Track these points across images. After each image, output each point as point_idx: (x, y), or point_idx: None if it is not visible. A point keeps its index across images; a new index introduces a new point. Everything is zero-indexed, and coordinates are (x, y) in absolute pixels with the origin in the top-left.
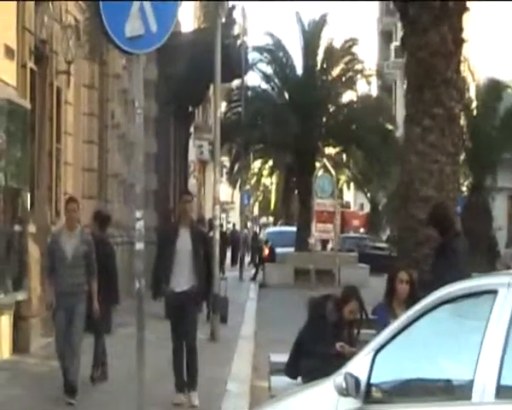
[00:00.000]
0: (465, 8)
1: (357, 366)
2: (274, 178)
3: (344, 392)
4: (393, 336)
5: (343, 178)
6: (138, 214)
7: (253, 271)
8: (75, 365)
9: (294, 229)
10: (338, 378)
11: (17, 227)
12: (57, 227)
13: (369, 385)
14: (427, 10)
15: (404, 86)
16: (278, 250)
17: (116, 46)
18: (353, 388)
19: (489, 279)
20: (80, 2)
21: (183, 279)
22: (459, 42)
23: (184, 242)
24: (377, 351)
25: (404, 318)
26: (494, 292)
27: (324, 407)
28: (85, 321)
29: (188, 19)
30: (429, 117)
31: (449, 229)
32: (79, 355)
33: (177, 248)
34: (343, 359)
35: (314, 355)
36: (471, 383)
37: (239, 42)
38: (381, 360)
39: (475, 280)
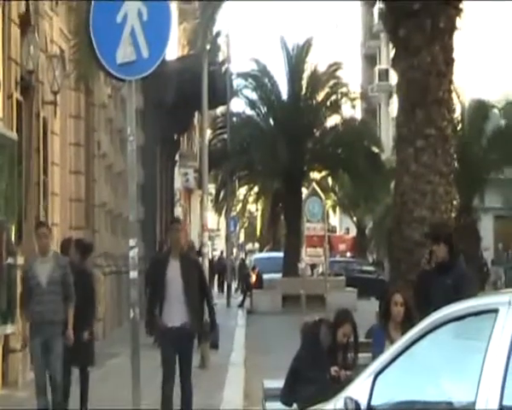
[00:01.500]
0: (456, 28)
1: (358, 389)
2: (259, 205)
3: None
4: (394, 359)
5: (329, 202)
6: (132, 242)
7: (241, 297)
8: (58, 399)
9: (281, 254)
10: (338, 403)
11: (5, 260)
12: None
13: (369, 409)
14: (418, 31)
15: (389, 109)
16: (265, 276)
17: (107, 73)
18: None
19: (489, 298)
20: (67, 29)
21: (175, 313)
22: (450, 61)
23: (175, 273)
24: (377, 374)
25: (404, 339)
26: (495, 311)
27: None
28: (69, 354)
29: (172, 46)
30: (422, 137)
31: (453, 246)
32: (61, 391)
33: (167, 279)
34: (338, 383)
35: (309, 381)
36: (473, 404)
37: (224, 68)
38: (382, 382)
39: (475, 299)
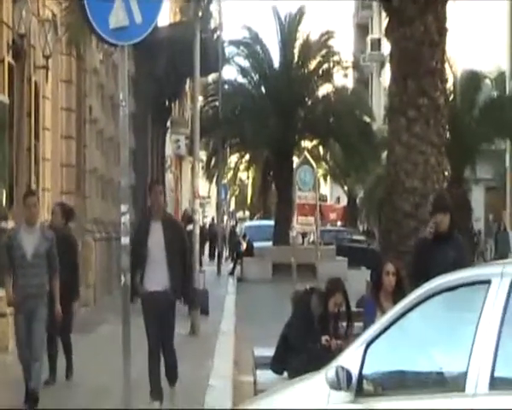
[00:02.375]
0: None
1: (349, 358)
2: (250, 173)
3: (335, 385)
4: (385, 328)
5: (320, 171)
6: (123, 208)
7: (231, 265)
8: (36, 371)
9: (272, 223)
10: (330, 372)
11: None
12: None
13: (360, 378)
14: (411, 0)
15: (381, 79)
16: (256, 244)
17: (100, 37)
18: (345, 381)
19: (482, 269)
20: None
21: (157, 278)
22: (443, 31)
23: (157, 237)
24: (369, 343)
25: (396, 309)
26: (487, 282)
27: (316, 401)
28: (48, 324)
29: (164, 13)
30: (414, 107)
31: (453, 217)
32: (41, 361)
33: (149, 244)
34: (329, 353)
35: (300, 350)
36: (465, 374)
37: (216, 36)
38: (373, 352)
39: (468, 270)
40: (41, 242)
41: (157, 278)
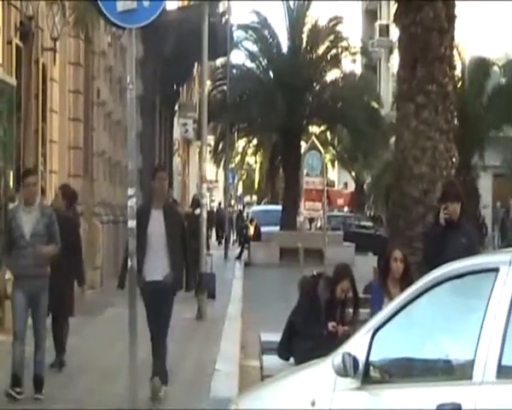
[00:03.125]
0: None
1: (356, 345)
2: (258, 157)
3: (342, 372)
4: (393, 315)
5: (327, 156)
6: (130, 191)
7: (239, 249)
8: (40, 357)
9: (279, 208)
10: (336, 358)
11: (4, 205)
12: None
13: (367, 365)
14: None
15: (389, 65)
16: (263, 229)
17: (108, 20)
18: (351, 368)
19: (490, 257)
20: None
21: (156, 267)
22: (452, 18)
23: (157, 225)
24: (376, 330)
25: (403, 296)
26: (495, 270)
27: (322, 387)
28: (51, 303)
29: None
30: (423, 93)
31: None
32: (44, 347)
33: (148, 231)
34: (336, 339)
35: (306, 336)
36: (472, 362)
37: (224, 20)
38: (380, 339)
39: (476, 258)
40: (39, 220)
41: (156, 266)
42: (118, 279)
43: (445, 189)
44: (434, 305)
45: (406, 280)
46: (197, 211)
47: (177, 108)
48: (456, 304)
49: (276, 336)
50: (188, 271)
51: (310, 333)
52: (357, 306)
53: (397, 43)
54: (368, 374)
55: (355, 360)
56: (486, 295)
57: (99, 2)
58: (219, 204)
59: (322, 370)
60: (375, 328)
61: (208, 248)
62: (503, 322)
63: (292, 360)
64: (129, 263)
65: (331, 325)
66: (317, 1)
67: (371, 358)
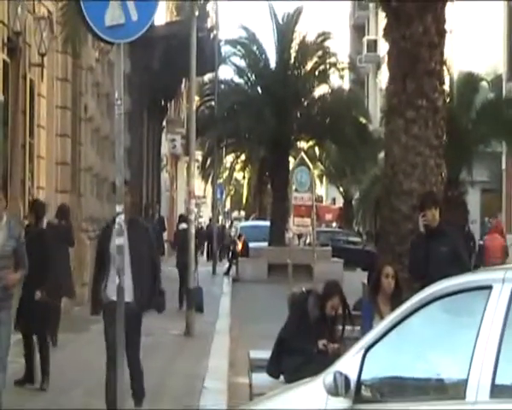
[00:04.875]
0: None
1: (347, 364)
2: (246, 173)
3: (333, 391)
4: (384, 334)
5: (316, 172)
6: (118, 208)
7: (227, 265)
8: (2, 375)
9: (268, 223)
10: (327, 377)
11: None
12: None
13: (359, 384)
14: (410, 0)
15: (377, 80)
16: (251, 245)
17: (96, 35)
18: (343, 387)
19: (483, 275)
20: None
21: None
22: (442, 32)
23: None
24: (368, 349)
25: (395, 314)
26: (488, 288)
27: (313, 406)
28: (24, 321)
29: (160, 12)
30: (413, 108)
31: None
32: (6, 369)
33: (111, 249)
34: (326, 356)
35: (296, 353)
36: (465, 381)
37: (212, 35)
38: (372, 357)
39: (469, 276)
40: (7, 240)
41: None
42: (90, 305)
43: (423, 197)
44: (427, 323)
45: (397, 297)
46: (182, 225)
47: (165, 123)
48: (448, 322)
49: (265, 354)
50: (159, 290)
51: (300, 350)
52: (351, 322)
53: (385, 58)
54: (359, 393)
55: (346, 379)
56: (479, 314)
57: (87, 17)
58: (210, 220)
59: (314, 389)
60: (367, 347)
61: (196, 263)
62: (497, 341)
63: (282, 377)
64: (116, 280)
65: (321, 343)
66: (305, 16)
67: (363, 377)
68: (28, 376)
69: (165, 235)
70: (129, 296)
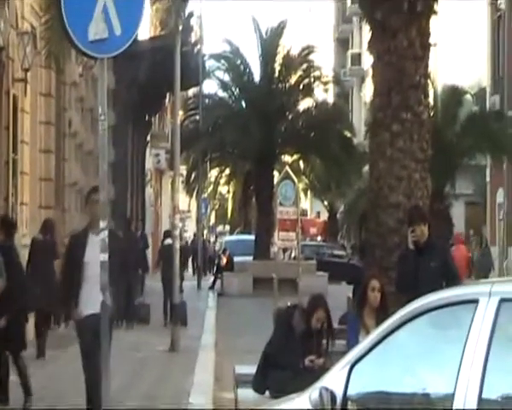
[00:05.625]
0: (433, 12)
1: (333, 379)
2: (231, 187)
3: (319, 407)
4: (371, 348)
5: (300, 185)
6: (102, 224)
7: (212, 279)
8: None
9: (252, 237)
10: (313, 393)
11: None
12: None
13: (345, 399)
14: (395, 13)
15: (361, 93)
16: (236, 259)
17: (79, 50)
18: (329, 402)
19: (469, 288)
20: (38, 6)
21: (94, 299)
22: (427, 46)
23: (94, 252)
24: (354, 364)
25: (381, 328)
26: (475, 302)
27: None
28: None
29: (144, 26)
30: (398, 122)
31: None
32: None
33: (85, 260)
34: (312, 372)
35: (282, 368)
36: (452, 395)
37: (196, 49)
38: (358, 373)
39: (455, 289)
40: None
41: (94, 299)
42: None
43: (411, 212)
44: (413, 337)
45: (383, 310)
46: (168, 241)
47: (149, 138)
48: (435, 336)
49: (250, 369)
50: (129, 304)
51: (286, 365)
52: (332, 337)
53: (369, 72)
54: (346, 409)
55: (332, 395)
56: (466, 328)
57: (69, 32)
58: (194, 235)
59: (300, 404)
60: (353, 361)
61: (182, 279)
62: (483, 354)
63: (267, 393)
64: (100, 297)
65: (308, 359)
66: (289, 30)
67: (349, 392)
68: (2, 394)
69: (149, 252)
70: (98, 308)
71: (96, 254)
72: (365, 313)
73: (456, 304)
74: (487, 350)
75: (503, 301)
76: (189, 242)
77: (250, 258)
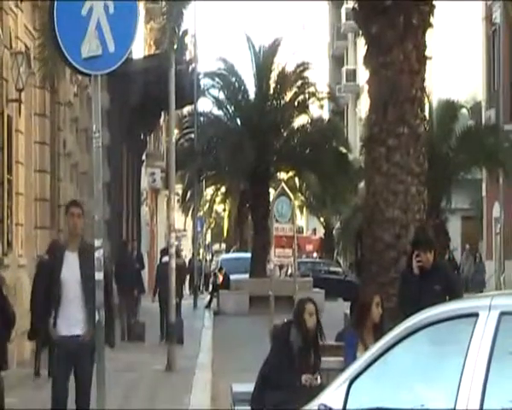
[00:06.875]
0: (429, 25)
1: (332, 396)
2: (226, 205)
3: None
4: (369, 364)
5: (296, 202)
6: (97, 243)
7: (208, 298)
8: None
9: (248, 255)
10: None
11: None
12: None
13: None
14: (390, 28)
15: (356, 109)
16: (233, 277)
17: (72, 67)
18: None
19: (469, 302)
20: (32, 26)
21: (72, 319)
22: (423, 59)
23: (72, 270)
24: (352, 380)
25: (380, 344)
26: (475, 315)
27: None
28: None
29: (138, 45)
30: (394, 136)
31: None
32: None
33: (62, 278)
34: (310, 389)
35: (279, 387)
36: None
37: (191, 68)
38: (357, 389)
39: (454, 303)
40: None
41: (72, 318)
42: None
43: (417, 236)
44: (412, 353)
45: (380, 326)
46: (165, 258)
47: (144, 157)
48: (434, 351)
49: (247, 387)
50: (108, 324)
51: (283, 383)
52: (320, 332)
53: (364, 88)
54: None
55: None
56: (466, 342)
57: (63, 49)
58: (193, 255)
59: None
60: (352, 378)
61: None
62: (484, 369)
63: None
64: (96, 316)
65: (304, 378)
66: (284, 46)
67: (348, 409)
68: None
69: (145, 273)
70: (80, 329)
71: (73, 273)
72: (364, 329)
73: (456, 318)
74: (488, 364)
75: (503, 314)
76: (187, 261)
77: (246, 276)
